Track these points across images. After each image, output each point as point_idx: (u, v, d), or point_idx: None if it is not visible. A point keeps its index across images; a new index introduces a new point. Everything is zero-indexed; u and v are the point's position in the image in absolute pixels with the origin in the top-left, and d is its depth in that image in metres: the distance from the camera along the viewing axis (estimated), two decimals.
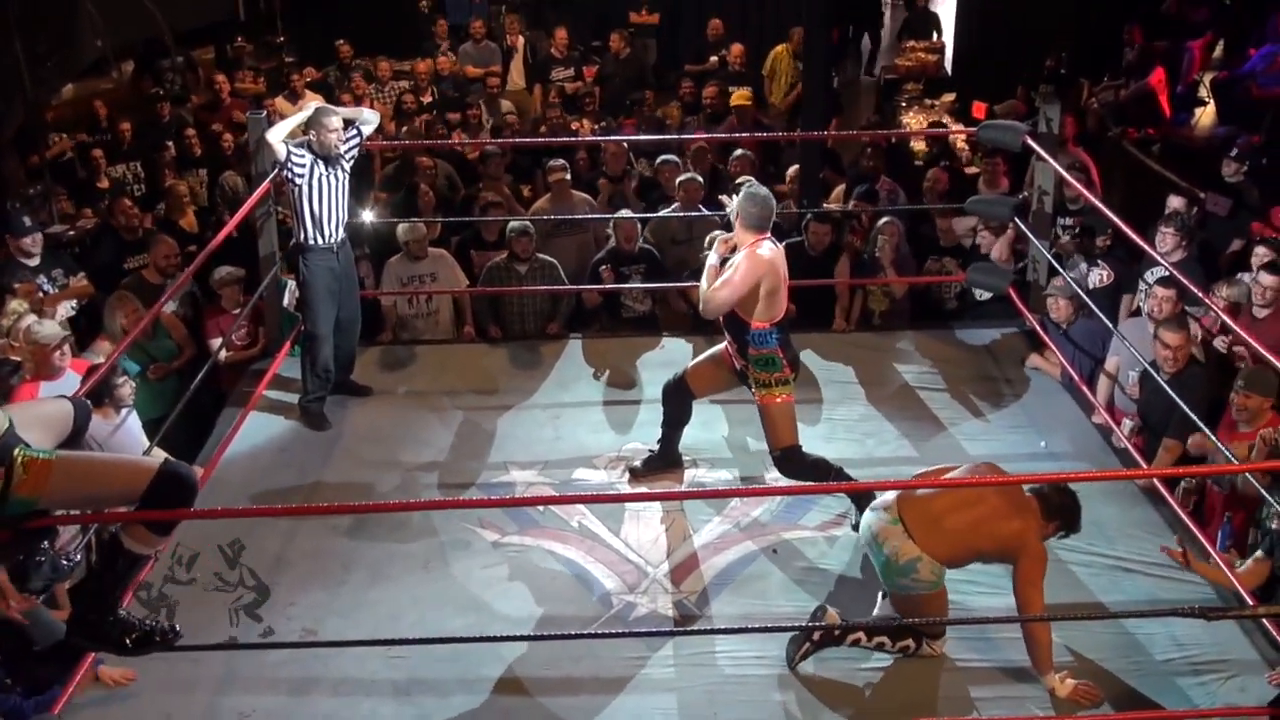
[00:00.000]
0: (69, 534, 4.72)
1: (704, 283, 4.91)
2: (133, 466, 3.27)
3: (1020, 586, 4.08)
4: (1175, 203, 6.96)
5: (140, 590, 4.50)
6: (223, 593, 4.60)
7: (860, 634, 4.20)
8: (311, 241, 5.80)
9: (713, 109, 9.94)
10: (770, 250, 4.84)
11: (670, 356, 6.40)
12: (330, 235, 5.82)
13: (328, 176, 5.75)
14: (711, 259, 4.98)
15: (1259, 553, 4.44)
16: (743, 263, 4.77)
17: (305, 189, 5.71)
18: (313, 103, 5.96)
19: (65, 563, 4.50)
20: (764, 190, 4.94)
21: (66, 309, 6.66)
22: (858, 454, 5.42)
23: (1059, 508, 4.21)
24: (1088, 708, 4.06)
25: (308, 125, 5.76)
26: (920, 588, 4.15)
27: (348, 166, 5.89)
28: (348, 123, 5.89)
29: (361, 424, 6.02)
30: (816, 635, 4.18)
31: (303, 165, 5.68)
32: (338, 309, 5.95)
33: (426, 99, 10.63)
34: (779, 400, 4.94)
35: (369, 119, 6.11)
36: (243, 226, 6.26)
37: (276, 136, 5.66)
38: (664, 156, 8.08)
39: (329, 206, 5.78)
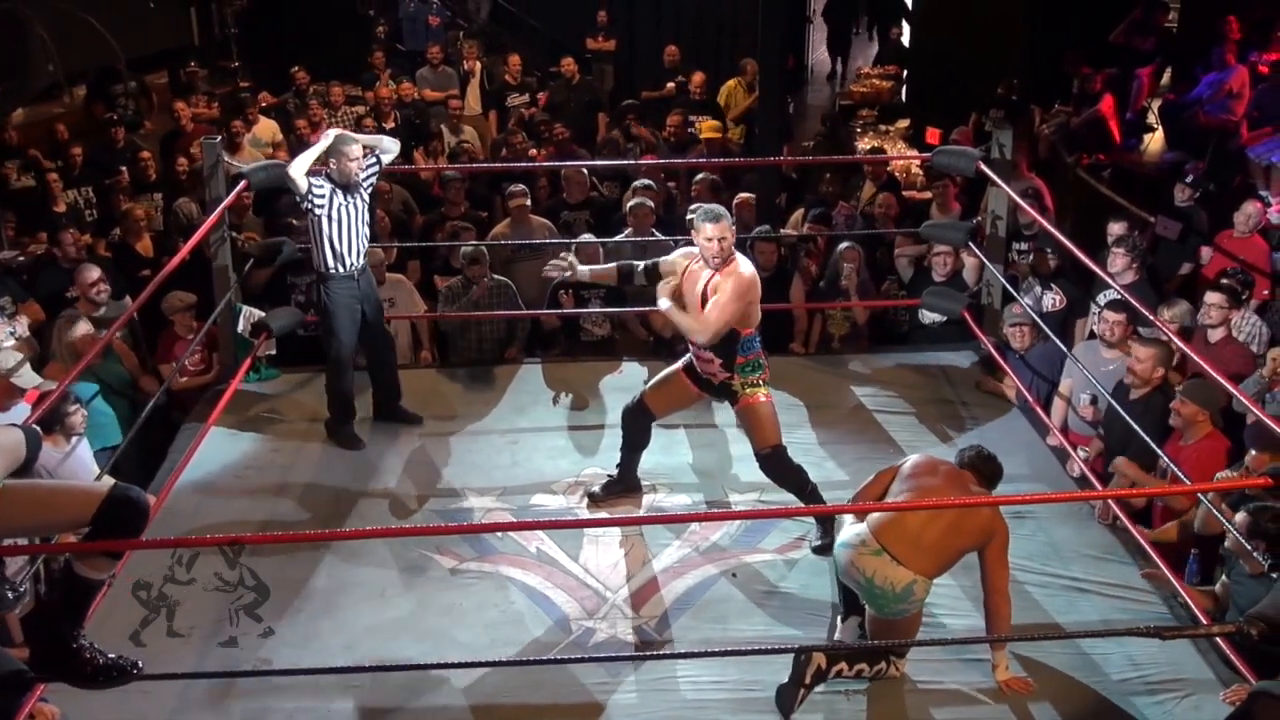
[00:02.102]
0: (16, 564, 4.65)
1: (681, 318, 4.92)
2: (82, 492, 3.23)
3: (992, 567, 4.17)
4: (1117, 228, 7.02)
5: (140, 590, 4.50)
6: (223, 593, 4.58)
7: (842, 664, 4.17)
8: (333, 270, 5.76)
9: (677, 138, 9.98)
10: (748, 266, 4.93)
11: (628, 381, 6.40)
12: (351, 264, 5.79)
13: (347, 205, 5.71)
14: (663, 304, 5.03)
15: (1225, 578, 4.50)
16: (728, 284, 4.82)
17: (325, 219, 5.68)
18: (331, 131, 5.92)
19: (11, 594, 4.44)
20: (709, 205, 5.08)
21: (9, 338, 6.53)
22: (817, 477, 5.40)
23: (992, 475, 4.39)
24: (1015, 696, 4.20)
25: (327, 154, 5.72)
26: (914, 608, 4.19)
27: (366, 195, 5.86)
28: (367, 150, 5.87)
29: (317, 450, 5.96)
30: (808, 680, 4.11)
31: (323, 196, 5.65)
32: (361, 336, 5.93)
33: (390, 125, 10.60)
34: (762, 399, 5.00)
35: (389, 147, 6.06)
36: (197, 251, 6.20)
37: (299, 170, 5.61)
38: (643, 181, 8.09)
39: (349, 235, 5.74)
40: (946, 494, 4.21)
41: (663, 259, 5.23)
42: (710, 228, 4.84)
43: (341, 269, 5.77)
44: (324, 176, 5.70)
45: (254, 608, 4.65)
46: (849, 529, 4.29)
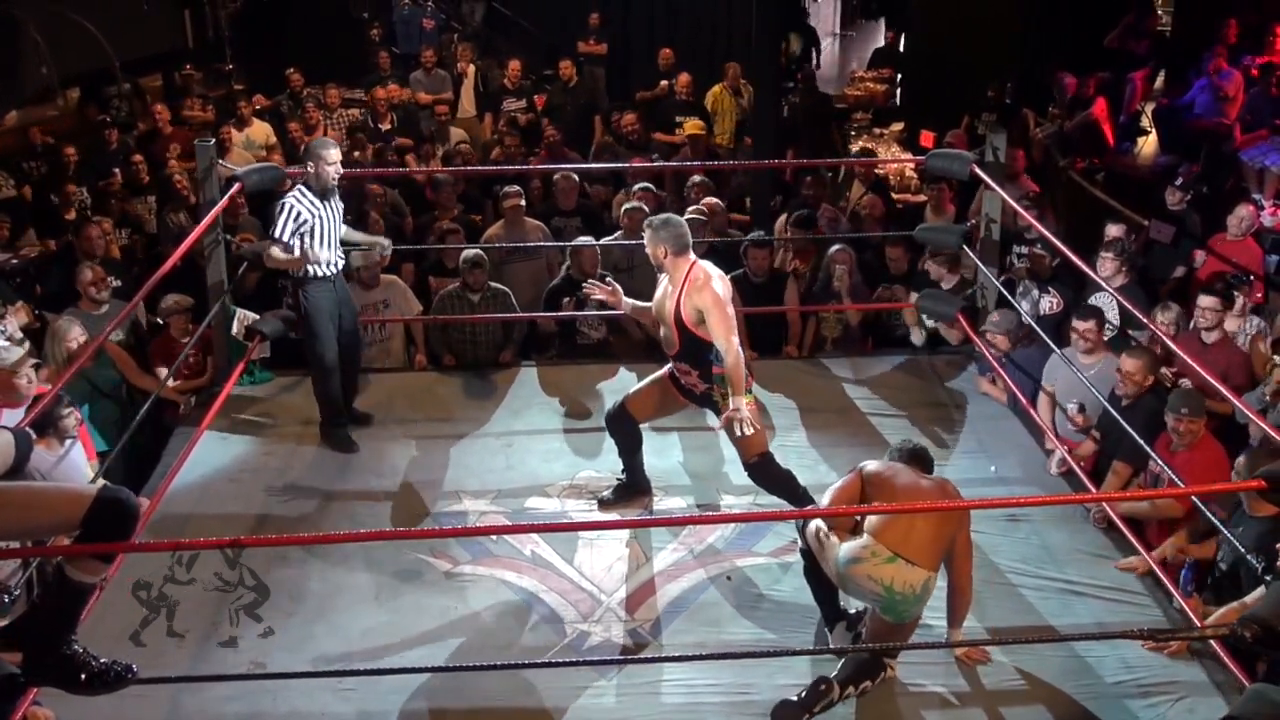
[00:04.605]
0: (9, 568, 4.63)
1: (734, 374, 4.82)
2: (70, 494, 3.21)
3: (961, 553, 4.23)
4: (1114, 230, 7.06)
5: (140, 590, 4.51)
6: (223, 593, 4.58)
7: (850, 687, 4.13)
8: (312, 274, 5.78)
9: (634, 138, 9.99)
10: (716, 272, 4.92)
11: (623, 384, 6.39)
12: (329, 267, 5.82)
13: (324, 210, 5.75)
14: (638, 303, 5.17)
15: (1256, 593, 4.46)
16: (706, 299, 4.80)
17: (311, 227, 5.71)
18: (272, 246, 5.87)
19: (6, 598, 4.43)
20: (665, 215, 5.07)
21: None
22: (811, 480, 5.41)
23: (929, 461, 4.49)
24: (975, 663, 4.36)
25: (305, 158, 5.74)
26: (925, 605, 4.20)
27: (338, 197, 5.89)
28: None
29: (311, 453, 5.95)
30: (818, 708, 4.07)
31: (314, 210, 5.68)
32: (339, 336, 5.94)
33: (385, 125, 10.61)
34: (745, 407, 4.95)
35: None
36: (189, 256, 6.19)
37: (277, 260, 5.67)
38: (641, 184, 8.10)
39: (328, 239, 5.77)
40: (922, 490, 4.26)
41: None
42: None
43: (319, 271, 5.79)
44: (300, 188, 5.71)
45: (254, 608, 4.65)
46: (847, 545, 4.21)
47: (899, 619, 4.19)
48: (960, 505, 4.25)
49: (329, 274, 5.83)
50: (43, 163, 9.72)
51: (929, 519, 4.17)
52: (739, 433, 4.86)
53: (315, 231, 5.70)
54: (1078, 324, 5.83)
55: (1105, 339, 5.94)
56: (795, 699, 4.06)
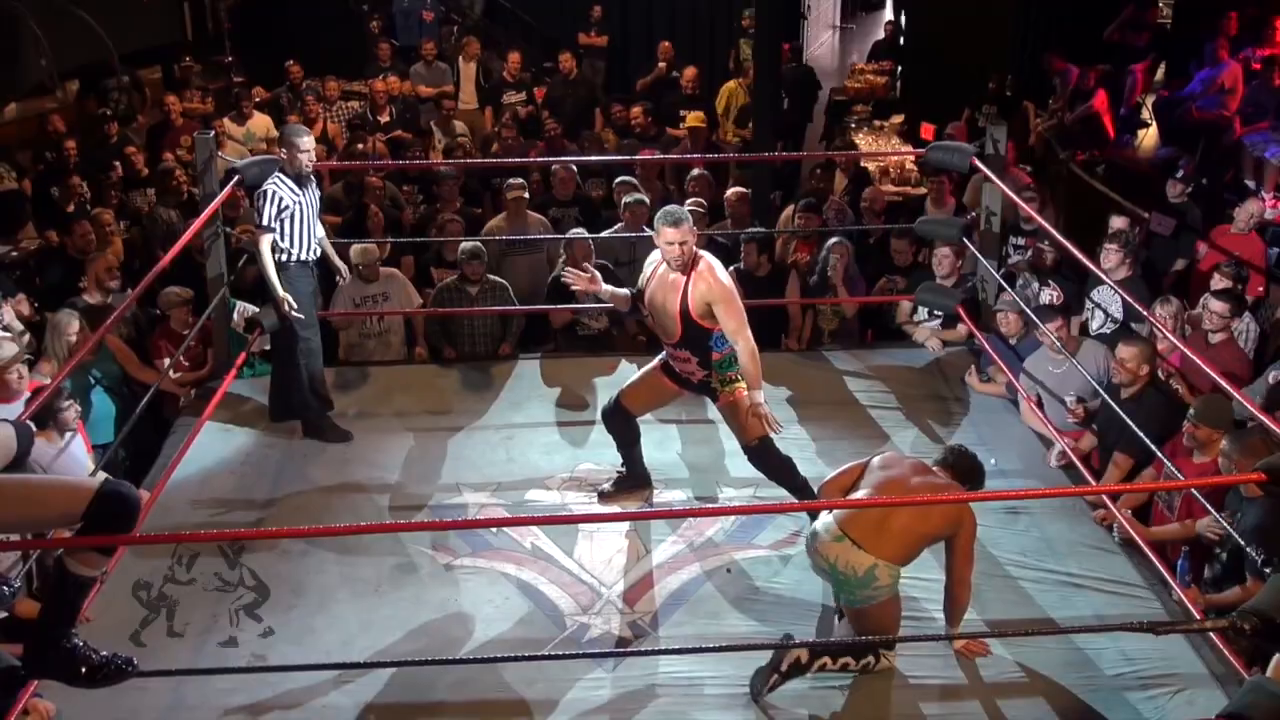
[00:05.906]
0: (9, 560, 4.64)
1: (749, 366, 4.82)
2: (71, 487, 3.22)
3: (958, 557, 4.21)
4: (1118, 222, 7.07)
5: (140, 590, 4.52)
6: (223, 593, 4.59)
7: (825, 659, 4.17)
8: (292, 260, 5.79)
9: (641, 131, 9.99)
10: (718, 262, 4.92)
11: (624, 377, 6.34)
12: (308, 253, 5.85)
13: (303, 195, 5.77)
14: (617, 290, 5.18)
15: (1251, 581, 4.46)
16: (717, 292, 4.79)
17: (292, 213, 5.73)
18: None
19: (7, 590, 4.44)
20: (674, 206, 5.08)
21: None
22: (810, 473, 5.40)
23: (969, 470, 4.40)
24: (974, 656, 4.34)
25: (279, 145, 5.72)
26: (881, 594, 4.18)
27: (314, 185, 5.91)
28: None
29: (312, 446, 5.95)
30: (784, 667, 4.12)
31: (294, 196, 5.69)
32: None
33: (384, 118, 10.59)
34: (743, 394, 4.95)
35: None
36: (188, 249, 6.19)
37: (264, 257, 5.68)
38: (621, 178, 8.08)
39: (307, 225, 5.79)
40: (920, 490, 4.23)
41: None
42: (670, 231, 4.77)
43: (299, 256, 5.81)
44: (282, 173, 5.72)
45: (254, 608, 4.67)
46: (818, 520, 4.33)
47: (850, 602, 4.23)
48: (937, 500, 4.19)
49: (309, 259, 5.86)
50: (54, 153, 9.70)
51: (902, 511, 4.15)
52: (766, 429, 4.87)
53: (295, 217, 5.72)
54: (1047, 326, 5.82)
55: (1092, 331, 5.91)
56: (766, 664, 4.12)
